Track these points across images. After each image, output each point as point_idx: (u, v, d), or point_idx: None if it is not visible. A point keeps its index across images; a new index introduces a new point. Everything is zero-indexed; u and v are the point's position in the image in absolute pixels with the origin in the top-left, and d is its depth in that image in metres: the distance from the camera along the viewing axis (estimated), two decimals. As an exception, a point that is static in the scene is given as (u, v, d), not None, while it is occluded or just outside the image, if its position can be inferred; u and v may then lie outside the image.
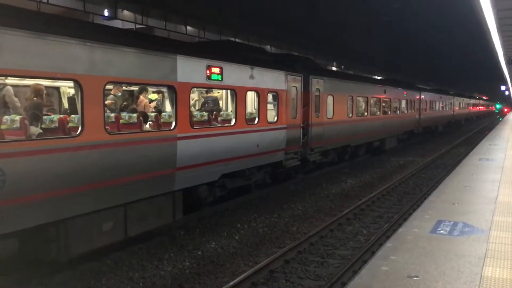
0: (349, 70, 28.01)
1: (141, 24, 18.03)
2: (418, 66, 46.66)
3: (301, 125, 13.85)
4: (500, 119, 66.94)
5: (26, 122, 6.63)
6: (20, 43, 5.92)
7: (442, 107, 38.22)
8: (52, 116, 7.44)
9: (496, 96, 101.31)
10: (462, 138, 34.45)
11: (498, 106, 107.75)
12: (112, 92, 9.07)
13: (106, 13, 16.40)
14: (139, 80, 8.34)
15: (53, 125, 7.20)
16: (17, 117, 6.74)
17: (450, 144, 29.10)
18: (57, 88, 9.17)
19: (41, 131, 7.03)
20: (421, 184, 15.57)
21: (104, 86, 7.22)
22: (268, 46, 26.45)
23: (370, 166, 19.28)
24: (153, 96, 10.51)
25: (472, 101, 64.17)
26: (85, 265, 7.51)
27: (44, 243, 6.69)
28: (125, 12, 17.32)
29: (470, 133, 40.58)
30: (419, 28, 31.75)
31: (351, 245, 9.07)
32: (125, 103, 9.67)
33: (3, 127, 6.62)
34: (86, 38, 6.84)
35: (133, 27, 17.98)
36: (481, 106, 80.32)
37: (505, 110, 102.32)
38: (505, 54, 31.81)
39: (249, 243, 9.06)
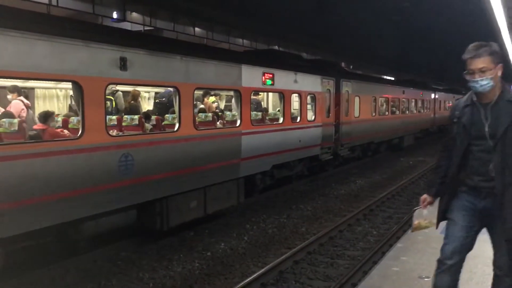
0: (358, 70, 27.82)
1: (150, 26, 18.10)
2: (430, 66, 46.31)
3: (333, 123, 15.46)
4: None
5: (143, 120, 8.52)
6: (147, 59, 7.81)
7: None
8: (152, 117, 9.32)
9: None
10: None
11: None
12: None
13: (115, 15, 16.49)
14: (215, 86, 10.18)
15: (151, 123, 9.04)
16: (136, 117, 8.57)
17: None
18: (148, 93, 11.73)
19: (151, 127, 8.80)
20: (431, 184, 15.46)
21: (194, 91, 8.92)
22: (276, 46, 26.44)
23: (379, 166, 19.18)
24: (212, 99, 11.75)
25: None
26: (96, 265, 7.56)
27: (152, 215, 8.24)
28: (134, 14, 17.41)
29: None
30: (429, 28, 31.54)
31: (361, 246, 9.02)
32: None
33: (124, 124, 8.46)
34: (183, 53, 8.62)
35: (142, 29, 18.05)
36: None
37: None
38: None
39: (258, 243, 9.05)
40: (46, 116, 7.16)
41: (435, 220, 3.66)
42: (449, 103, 35.62)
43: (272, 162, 11.71)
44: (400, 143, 24.03)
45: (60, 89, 10.09)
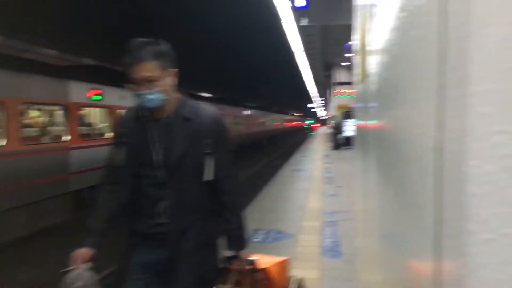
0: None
1: None
2: (241, 84, 49.39)
3: None
4: (311, 133, 74.64)
5: None
6: None
7: (267, 123, 43.74)
8: None
9: (308, 112, 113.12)
10: (279, 151, 37.51)
11: (309, 121, 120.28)
12: None
13: None
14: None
15: None
16: None
17: (269, 157, 31.42)
18: None
19: None
20: (244, 195, 16.39)
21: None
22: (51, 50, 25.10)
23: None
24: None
25: (289, 117, 71.19)
26: None
27: None
28: None
29: (286, 146, 44.48)
30: (235, 46, 33.63)
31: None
32: None
33: None
34: None
35: None
36: (297, 121, 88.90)
37: (315, 125, 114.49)
38: (314, 76, 35.85)
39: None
40: None
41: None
42: (258, 120, 38.73)
43: None
44: None
45: None
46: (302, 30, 16.84)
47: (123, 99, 12.86)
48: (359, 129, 3.01)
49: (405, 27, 1.13)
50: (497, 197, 0.67)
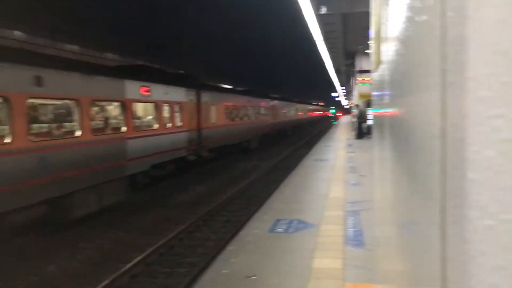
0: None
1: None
2: (262, 74, 49.37)
3: (196, 128, 17.74)
4: (334, 122, 74.09)
5: None
6: None
7: (290, 113, 45.18)
8: None
9: (331, 101, 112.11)
10: (302, 141, 37.35)
11: (332, 111, 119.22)
12: None
13: None
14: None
15: None
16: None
17: (292, 147, 31.33)
18: None
19: None
20: (267, 186, 16.42)
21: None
22: (110, 54, 25.44)
23: (216, 172, 19.74)
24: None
25: (312, 107, 70.87)
26: None
27: (59, 209, 9.72)
28: None
29: (310, 136, 44.26)
30: (260, 39, 33.66)
31: (201, 252, 9.16)
32: None
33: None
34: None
35: None
36: (320, 111, 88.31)
37: (338, 114, 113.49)
38: (334, 64, 35.46)
39: (94, 262, 8.57)
40: None
41: None
42: (282, 110, 39.20)
43: (151, 162, 13.67)
44: (248, 145, 27.29)
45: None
46: (322, 18, 16.65)
47: (166, 95, 14.87)
48: (375, 117, 2.98)
49: (412, 12, 1.11)
50: (495, 183, 0.66)
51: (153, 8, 21.61)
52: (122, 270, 7.67)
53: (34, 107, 10.06)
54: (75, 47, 22.75)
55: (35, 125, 9.64)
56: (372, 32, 2.69)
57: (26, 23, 19.12)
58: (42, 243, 9.37)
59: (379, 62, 2.16)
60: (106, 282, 7.15)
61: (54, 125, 10.68)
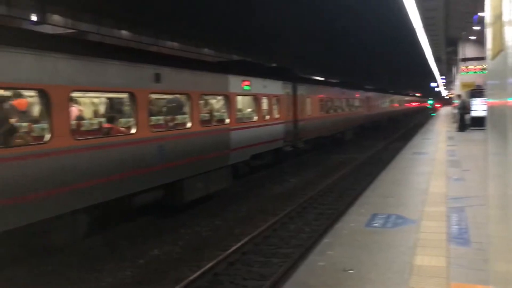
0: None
1: (73, 28, 17.40)
2: (354, 65, 48.14)
3: (292, 120, 18.10)
4: (433, 114, 70.36)
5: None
6: None
7: (385, 105, 43.95)
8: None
9: (429, 92, 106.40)
10: (398, 133, 35.96)
11: (430, 102, 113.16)
12: None
13: (34, 17, 15.69)
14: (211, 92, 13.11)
15: None
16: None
17: (387, 140, 30.29)
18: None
19: None
20: (360, 179, 16.07)
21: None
22: (206, 49, 26.36)
23: (311, 164, 19.69)
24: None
25: (408, 98, 67.92)
26: (15, 280, 7.17)
27: (173, 193, 10.48)
28: (55, 16, 16.65)
29: (406, 128, 42.47)
30: (352, 29, 32.80)
31: (294, 243, 9.22)
32: None
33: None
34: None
35: (63, 31, 17.30)
36: (416, 102, 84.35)
37: (437, 106, 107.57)
38: (433, 52, 33.60)
39: (193, 247, 9.00)
40: (112, 119, 9.62)
41: None
42: (377, 101, 38.22)
43: (251, 152, 14.30)
44: (342, 137, 27.28)
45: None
46: (422, 4, 15.82)
47: (265, 88, 15.46)
48: (491, 108, 2.77)
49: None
50: None
51: (248, 4, 22.05)
52: (220, 257, 7.96)
53: (153, 101, 10.91)
54: (175, 44, 23.98)
55: (153, 117, 10.50)
56: (488, 15, 2.49)
57: (131, 22, 20.44)
58: (147, 230, 10.04)
59: (500, 48, 2.00)
60: (205, 267, 7.46)
61: (168, 117, 11.67)
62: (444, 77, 62.12)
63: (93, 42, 12.39)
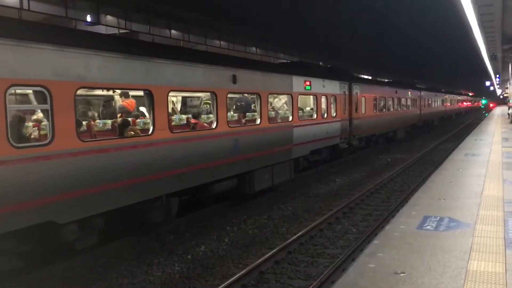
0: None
1: (125, 28, 17.92)
2: (405, 64, 46.97)
3: (347, 119, 18.72)
4: (486, 114, 67.63)
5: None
6: None
7: (437, 104, 43.00)
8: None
9: (482, 91, 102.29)
10: (449, 133, 34.79)
11: (483, 101, 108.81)
12: None
13: (88, 18, 16.28)
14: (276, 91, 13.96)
15: None
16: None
17: (438, 140, 29.36)
18: None
19: None
20: (409, 181, 15.67)
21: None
22: (254, 48, 26.46)
23: (358, 164, 19.36)
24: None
25: (461, 97, 65.71)
26: (73, 272, 7.46)
27: (244, 183, 11.59)
28: (108, 17, 17.21)
29: (457, 128, 41.01)
30: (403, 26, 32.00)
31: (341, 244, 9.10)
32: None
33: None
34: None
35: (117, 32, 17.85)
36: (469, 102, 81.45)
37: (491, 105, 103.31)
38: (488, 50, 32.24)
39: (239, 245, 9.05)
40: (198, 114, 10.77)
41: None
42: (429, 101, 37.35)
43: (310, 148, 15.13)
44: (394, 136, 27.39)
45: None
46: (477, 0, 15.19)
47: (324, 88, 16.15)
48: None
49: None
50: None
51: (302, 6, 22.22)
52: (267, 255, 7.96)
53: (229, 100, 11.71)
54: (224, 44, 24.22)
55: (229, 114, 11.36)
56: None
57: (182, 22, 20.82)
58: (193, 226, 10.19)
59: None
60: (252, 265, 7.49)
61: (241, 114, 12.75)
62: (499, 75, 59.49)
63: (183, 48, 14.41)
